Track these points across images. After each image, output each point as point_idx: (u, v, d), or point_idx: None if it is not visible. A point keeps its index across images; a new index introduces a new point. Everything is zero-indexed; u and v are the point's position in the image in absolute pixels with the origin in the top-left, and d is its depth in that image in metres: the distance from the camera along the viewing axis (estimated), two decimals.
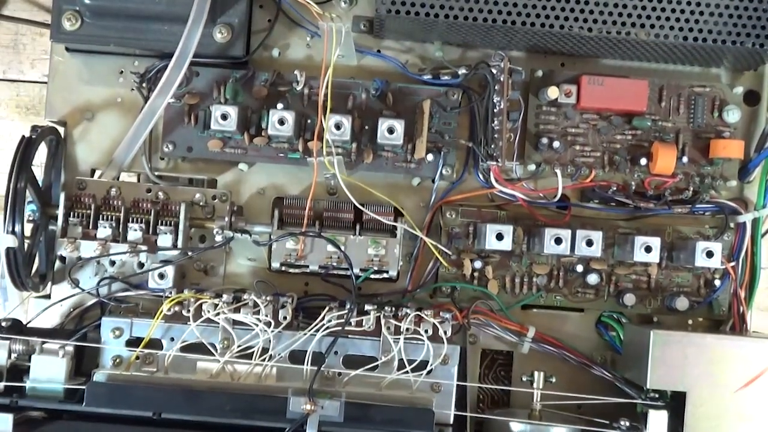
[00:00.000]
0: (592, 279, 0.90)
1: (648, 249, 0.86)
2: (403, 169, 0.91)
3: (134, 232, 0.88)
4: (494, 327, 0.91)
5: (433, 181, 0.91)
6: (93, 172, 0.92)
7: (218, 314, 0.84)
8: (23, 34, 1.02)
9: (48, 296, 0.91)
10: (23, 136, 0.85)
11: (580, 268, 0.90)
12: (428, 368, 0.85)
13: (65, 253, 0.88)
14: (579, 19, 0.84)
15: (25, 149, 0.85)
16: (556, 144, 0.91)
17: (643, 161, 0.91)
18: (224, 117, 0.87)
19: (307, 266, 0.89)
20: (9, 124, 1.00)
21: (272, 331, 0.84)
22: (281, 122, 0.87)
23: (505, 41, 0.90)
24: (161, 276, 0.88)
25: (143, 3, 0.86)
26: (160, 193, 0.90)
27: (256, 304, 0.84)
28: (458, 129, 0.92)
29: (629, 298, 0.90)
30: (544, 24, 0.84)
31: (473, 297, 0.91)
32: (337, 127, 0.87)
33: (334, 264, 0.89)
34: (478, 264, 0.91)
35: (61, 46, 0.91)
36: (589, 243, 0.86)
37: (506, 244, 0.86)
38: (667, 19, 0.84)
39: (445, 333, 0.85)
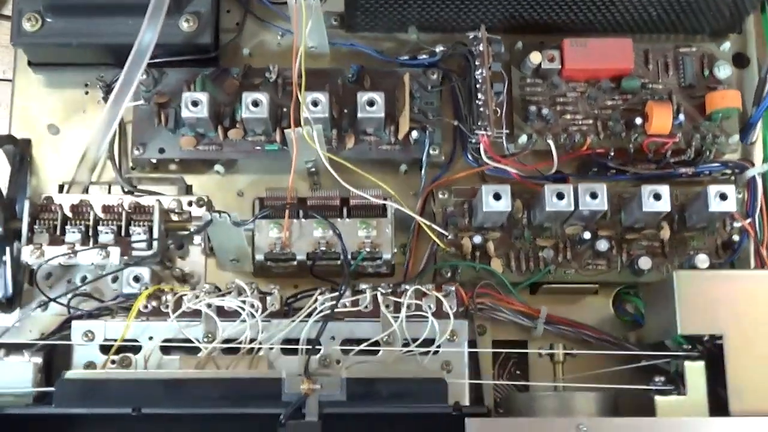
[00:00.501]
0: (602, 245, 0.83)
1: (657, 197, 0.80)
2: (389, 152, 0.86)
3: (105, 235, 0.81)
4: (503, 311, 0.83)
5: (421, 165, 0.86)
6: (61, 187, 0.87)
7: (200, 302, 0.77)
8: None
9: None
10: None
11: (587, 235, 0.84)
12: (435, 344, 0.77)
13: (31, 260, 0.81)
14: None
15: None
16: (545, 111, 0.87)
17: (638, 121, 0.86)
18: (195, 104, 0.83)
19: (294, 257, 0.82)
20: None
21: (261, 316, 0.76)
22: (255, 104, 0.83)
23: (480, 16, 0.87)
24: (136, 279, 0.81)
25: None
26: (131, 201, 0.84)
27: (241, 291, 0.77)
28: (441, 109, 0.88)
29: (644, 262, 0.83)
30: None
31: (477, 278, 0.84)
32: (315, 104, 0.83)
33: (323, 249, 0.82)
34: (478, 239, 0.84)
35: (24, 60, 0.88)
36: (594, 195, 0.80)
37: (505, 205, 0.80)
38: None
39: (450, 308, 0.78)
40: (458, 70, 0.88)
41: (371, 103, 0.83)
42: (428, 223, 0.84)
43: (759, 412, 0.72)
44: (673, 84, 0.88)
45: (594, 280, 0.85)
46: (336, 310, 0.77)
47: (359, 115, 0.84)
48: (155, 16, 0.81)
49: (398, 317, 0.77)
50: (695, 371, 0.74)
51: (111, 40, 0.84)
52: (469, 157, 0.88)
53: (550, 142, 0.86)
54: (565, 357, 0.80)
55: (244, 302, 0.76)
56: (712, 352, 0.75)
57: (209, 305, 0.77)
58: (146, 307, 0.78)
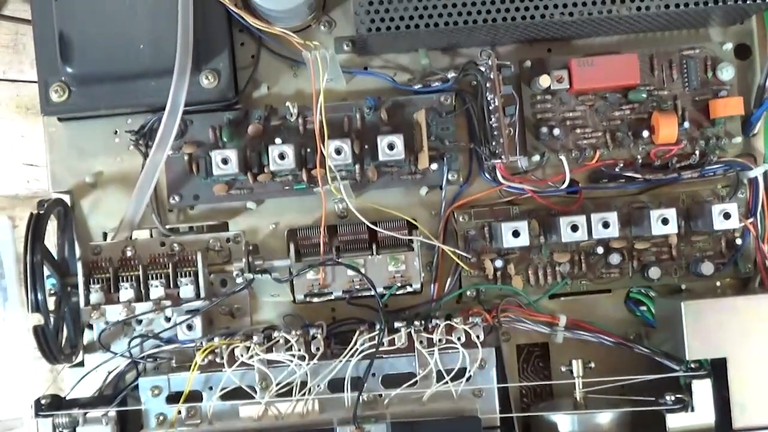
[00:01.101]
0: (614, 259, 0.90)
1: (665, 221, 0.86)
2: (410, 182, 0.91)
3: (156, 289, 0.88)
4: (525, 321, 0.90)
5: (441, 189, 0.91)
6: (105, 236, 0.93)
7: (251, 357, 0.84)
8: (23, 34, 1.01)
9: (82, 365, 0.92)
10: (32, 213, 0.86)
11: (600, 250, 0.90)
12: (467, 375, 0.85)
13: (92, 321, 0.88)
14: (558, 5, 0.84)
15: (36, 225, 0.85)
16: (556, 131, 0.91)
17: (645, 134, 0.90)
18: (225, 161, 0.87)
19: (331, 293, 0.89)
20: (9, 124, 0.99)
21: (307, 365, 0.84)
22: (282, 157, 0.87)
23: (490, 37, 0.90)
24: (189, 327, 0.89)
25: (127, 63, 0.86)
26: (174, 245, 0.90)
27: (287, 341, 0.85)
28: (457, 131, 0.92)
29: (654, 272, 0.90)
30: (525, 17, 0.84)
31: (500, 296, 0.91)
32: (338, 152, 0.87)
33: (357, 287, 0.89)
34: (499, 263, 0.91)
35: (53, 117, 0.92)
36: (606, 225, 0.86)
37: (524, 240, 0.86)
38: None
39: (478, 337, 0.85)
40: (471, 89, 0.92)
41: (391, 147, 0.88)
42: (452, 249, 0.90)
43: (761, 426, 0.81)
44: (678, 89, 0.92)
45: (607, 288, 0.92)
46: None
47: (381, 158, 0.88)
48: (182, 75, 0.84)
49: (432, 352, 0.85)
50: (702, 389, 0.82)
51: (137, 101, 0.88)
52: (486, 175, 0.92)
53: (563, 158, 0.91)
54: (585, 369, 0.88)
55: (292, 354, 0.84)
56: (717, 367, 0.83)
57: (260, 359, 0.85)
58: (204, 360, 0.86)
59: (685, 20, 0.90)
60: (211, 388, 0.86)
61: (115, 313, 0.88)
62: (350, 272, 0.89)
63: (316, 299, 0.90)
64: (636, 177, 0.91)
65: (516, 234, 0.86)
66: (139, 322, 0.91)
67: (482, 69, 0.88)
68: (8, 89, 0.95)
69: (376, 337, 0.84)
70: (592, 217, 0.86)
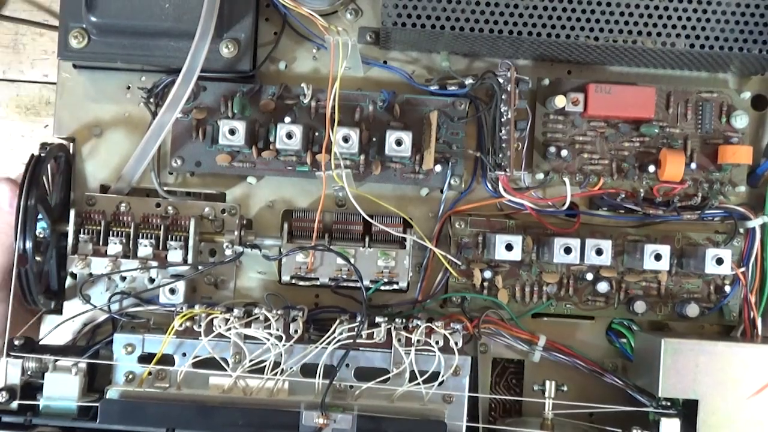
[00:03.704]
0: (602, 287, 0.90)
1: (658, 257, 0.86)
2: (412, 180, 0.91)
3: (144, 248, 0.88)
4: (505, 336, 0.91)
5: (442, 192, 0.92)
6: (103, 188, 0.93)
7: (229, 329, 0.84)
8: (23, 34, 1.01)
9: (60, 312, 0.92)
10: (32, 155, 0.86)
11: (590, 277, 0.90)
12: (440, 379, 0.85)
13: (76, 270, 0.88)
14: (585, 28, 0.84)
15: (35, 167, 0.85)
16: (564, 153, 0.91)
17: (652, 168, 0.91)
18: (232, 132, 0.87)
19: (318, 279, 0.89)
20: (9, 124, 0.99)
21: (283, 345, 0.84)
22: (289, 136, 0.87)
23: (512, 50, 0.90)
24: (172, 291, 0.89)
25: (150, 20, 0.85)
26: (169, 208, 0.90)
27: (267, 319, 0.85)
28: (466, 139, 0.92)
29: (639, 306, 0.90)
30: (550, 34, 0.84)
31: (483, 306, 0.92)
32: (345, 140, 0.87)
33: (344, 276, 0.89)
34: (488, 274, 0.91)
35: (68, 62, 0.92)
36: (599, 252, 0.86)
37: (516, 255, 0.87)
38: (674, 26, 0.84)
39: (456, 344, 0.85)
40: (485, 98, 0.92)
41: (399, 143, 0.88)
42: (443, 253, 0.90)
43: None
44: (690, 130, 0.92)
45: (591, 315, 0.92)
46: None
47: (387, 152, 0.88)
48: (203, 39, 0.84)
49: (409, 351, 0.85)
50: (670, 427, 0.83)
51: (155, 60, 0.88)
52: (488, 186, 0.92)
53: (566, 180, 0.91)
54: (557, 392, 0.88)
55: (269, 333, 0.84)
56: (688, 408, 0.83)
57: (237, 333, 0.84)
58: (181, 325, 0.86)
59: (706, 62, 0.90)
60: (184, 355, 0.86)
61: (100, 265, 0.88)
62: (339, 261, 0.89)
63: (301, 283, 0.90)
64: (636, 210, 0.91)
65: (509, 247, 0.86)
66: (123, 279, 0.91)
67: (500, 80, 0.88)
68: (8, 89, 0.96)
69: (356, 328, 0.84)
70: (587, 243, 0.86)
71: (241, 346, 0.84)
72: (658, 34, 0.84)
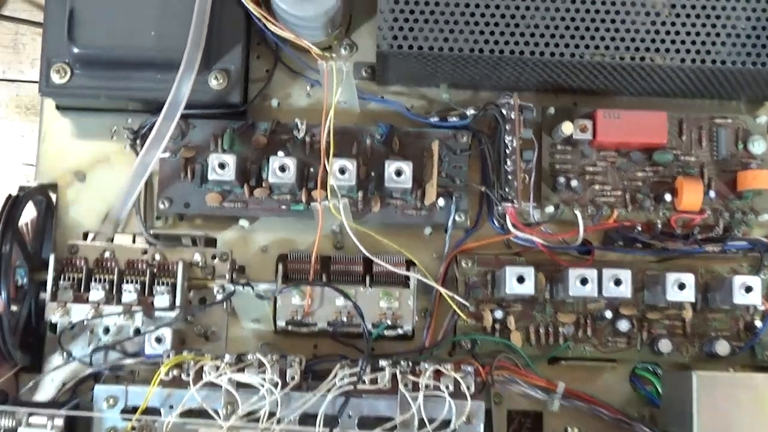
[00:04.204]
0: (623, 326, 0.83)
1: (681, 286, 0.80)
2: (414, 217, 0.86)
3: (129, 294, 0.82)
4: (520, 383, 0.83)
5: (446, 230, 0.86)
6: (86, 235, 0.87)
7: (220, 376, 0.77)
8: (23, 34, 1.00)
9: (39, 370, 0.85)
10: (9, 195, 0.81)
11: (609, 315, 0.84)
12: (451, 427, 0.78)
13: (55, 318, 0.81)
14: (590, 46, 0.80)
15: (11, 209, 0.80)
16: (574, 183, 0.86)
17: (668, 197, 0.85)
18: (222, 166, 0.82)
19: (315, 324, 0.83)
20: (9, 124, 0.97)
21: (279, 392, 0.77)
22: (282, 169, 0.83)
23: (514, 78, 0.86)
24: (158, 340, 0.82)
25: (134, 50, 0.82)
26: (156, 255, 0.84)
27: (261, 364, 0.78)
28: (469, 172, 0.87)
29: (665, 345, 0.83)
30: (554, 53, 0.80)
31: (495, 351, 0.85)
32: (342, 171, 0.82)
33: (344, 320, 0.82)
34: (499, 314, 0.84)
35: (52, 105, 0.88)
36: (618, 282, 0.80)
37: (528, 288, 0.80)
38: (683, 42, 0.80)
39: (468, 388, 0.78)
40: (488, 131, 0.87)
41: (399, 173, 0.83)
42: (450, 294, 0.84)
43: None
44: (705, 157, 0.87)
45: (613, 358, 0.85)
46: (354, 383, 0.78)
47: (387, 184, 0.83)
48: (188, 70, 0.80)
49: (416, 397, 0.77)
50: None
51: (139, 94, 0.84)
52: (495, 223, 0.87)
53: (577, 213, 0.85)
54: None
55: (264, 378, 0.77)
56: None
57: (229, 379, 0.77)
58: (168, 374, 0.79)
59: (717, 86, 0.86)
60: (171, 407, 0.78)
61: (81, 312, 0.81)
62: (338, 303, 0.82)
63: (299, 329, 0.83)
64: (653, 244, 0.85)
65: (521, 280, 0.80)
66: (107, 331, 0.84)
67: (503, 110, 0.84)
68: (8, 89, 0.95)
69: (358, 372, 0.78)
70: (604, 273, 0.80)
71: (233, 394, 0.77)
72: (667, 50, 0.80)
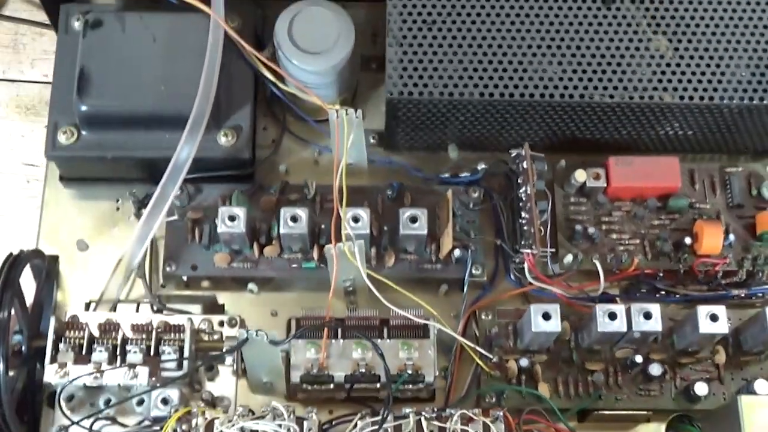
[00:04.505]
0: (655, 370, 0.79)
1: (714, 318, 0.77)
2: (430, 271, 0.83)
3: (134, 355, 0.77)
4: None
5: (463, 282, 0.83)
6: (87, 306, 0.83)
7: (233, 426, 0.72)
8: (23, 34, 0.97)
9: None
10: (9, 254, 0.77)
11: (639, 359, 0.80)
12: None
13: (54, 380, 0.76)
14: (599, 87, 0.81)
15: (11, 267, 0.76)
16: (591, 230, 0.84)
17: (688, 240, 0.83)
18: (232, 218, 0.80)
19: (332, 378, 0.78)
20: (9, 124, 0.93)
21: None
22: (294, 219, 0.80)
23: (522, 134, 0.86)
24: (164, 401, 0.77)
25: (143, 107, 0.81)
26: (162, 320, 0.80)
27: (277, 415, 0.73)
28: (483, 228, 0.85)
29: (701, 388, 0.79)
30: (563, 95, 0.81)
31: (522, 405, 0.79)
32: (356, 219, 0.80)
33: (362, 371, 0.78)
34: (524, 362, 0.80)
35: (54, 175, 0.87)
36: (648, 316, 0.76)
37: (554, 326, 0.76)
38: (689, 81, 0.81)
39: None
40: (499, 189, 0.86)
41: (414, 220, 0.81)
42: (472, 345, 0.80)
43: None
44: (720, 204, 0.86)
45: (646, 407, 0.81)
46: None
47: (402, 232, 0.81)
48: (194, 131, 0.79)
49: None
50: None
51: (147, 154, 0.82)
52: (512, 277, 0.85)
53: (596, 262, 0.83)
54: None
55: (280, 426, 0.72)
56: None
57: (243, 429, 0.72)
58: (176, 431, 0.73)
59: (725, 139, 0.86)
60: None
61: (82, 373, 0.76)
62: (355, 355, 0.78)
63: (313, 390, 0.79)
64: (677, 292, 0.83)
65: (546, 317, 0.76)
66: (108, 403, 0.79)
67: (515, 160, 0.83)
68: (8, 89, 0.94)
69: (380, 420, 0.72)
70: (633, 307, 0.77)
71: None
72: (675, 89, 0.81)
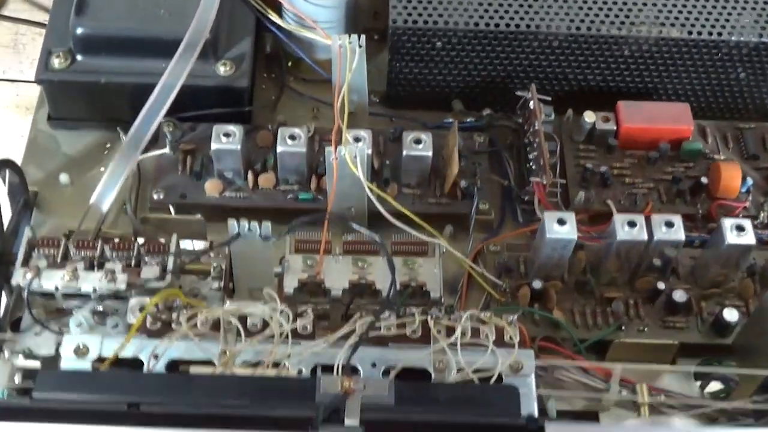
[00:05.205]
0: (679, 295, 0.73)
1: (740, 228, 0.71)
2: (434, 206, 0.78)
3: (113, 263, 0.71)
4: (569, 371, 0.70)
5: (470, 218, 0.78)
6: (68, 236, 0.77)
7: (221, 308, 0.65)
8: (23, 34, 0.97)
9: None
10: None
11: (662, 286, 0.73)
12: (495, 374, 0.64)
13: (23, 282, 0.69)
14: (606, 21, 0.80)
15: None
16: (602, 168, 0.80)
17: (704, 180, 0.79)
18: (227, 135, 0.76)
19: (329, 293, 0.71)
20: (9, 124, 0.92)
21: (290, 326, 0.64)
22: (293, 137, 0.77)
23: (528, 82, 0.83)
24: (143, 310, 0.69)
25: (142, 28, 0.79)
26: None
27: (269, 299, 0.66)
28: (488, 175, 0.81)
29: (730, 313, 0.72)
30: (570, 27, 0.79)
31: (536, 333, 0.72)
32: (357, 139, 0.76)
33: (364, 281, 0.71)
34: (537, 284, 0.73)
35: (44, 117, 0.83)
36: (670, 224, 0.71)
37: (570, 232, 0.71)
38: (696, 18, 0.80)
39: (513, 338, 0.66)
40: (504, 141, 0.84)
41: (418, 141, 0.77)
42: (481, 269, 0.74)
43: None
44: (735, 155, 0.83)
45: (671, 340, 0.73)
46: (379, 334, 0.66)
47: (405, 153, 0.77)
48: (187, 54, 0.77)
49: (453, 345, 0.65)
50: None
51: (142, 80, 0.79)
52: (521, 220, 0.80)
53: (610, 202, 0.79)
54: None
55: (274, 309, 0.65)
56: None
57: (229, 321, 0.65)
58: (154, 322, 0.66)
59: (735, 96, 0.85)
60: (156, 357, 0.64)
61: (55, 278, 0.69)
62: (353, 274, 0.72)
63: (309, 302, 0.71)
64: (694, 236, 0.78)
65: (562, 222, 0.71)
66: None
67: (521, 108, 0.81)
68: (8, 89, 0.93)
69: (379, 309, 0.66)
70: (653, 218, 0.72)
71: (236, 329, 0.64)
72: (682, 25, 0.80)
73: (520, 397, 0.60)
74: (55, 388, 0.58)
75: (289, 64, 0.89)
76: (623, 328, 0.73)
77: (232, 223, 0.69)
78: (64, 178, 0.81)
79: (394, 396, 0.59)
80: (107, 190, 0.76)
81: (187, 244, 0.75)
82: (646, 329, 0.73)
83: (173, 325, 0.66)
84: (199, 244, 0.75)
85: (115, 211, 0.78)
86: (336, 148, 0.73)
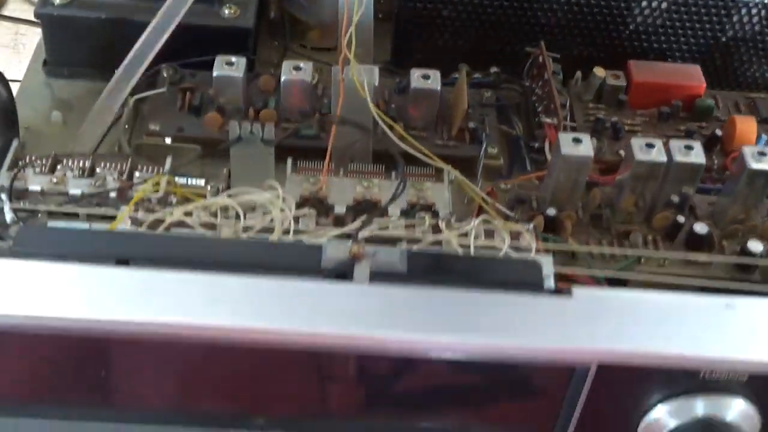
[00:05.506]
0: (700, 227, 0.69)
1: (762, 154, 0.69)
2: (440, 148, 0.75)
3: (103, 170, 0.67)
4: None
5: (479, 158, 0.75)
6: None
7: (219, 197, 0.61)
8: (23, 34, 0.98)
9: None
10: None
11: (681, 219, 0.70)
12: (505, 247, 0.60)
13: (5, 182, 0.65)
14: None
15: None
16: (614, 119, 0.78)
17: (719, 132, 0.77)
18: (230, 63, 0.74)
19: (332, 209, 0.67)
20: None
21: (293, 213, 0.60)
22: (297, 68, 0.74)
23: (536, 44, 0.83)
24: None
25: None
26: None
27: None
28: (496, 127, 0.79)
29: (754, 245, 0.68)
30: None
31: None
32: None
33: (368, 198, 0.67)
34: (551, 211, 0.69)
35: (39, 65, 0.81)
36: (689, 147, 0.68)
37: (587, 150, 0.68)
38: None
39: (530, 244, 0.62)
40: (512, 102, 0.82)
41: (426, 77, 0.75)
42: (491, 200, 0.70)
43: None
44: None
45: (695, 274, 0.69)
46: (388, 233, 0.62)
47: (413, 85, 0.74)
48: None
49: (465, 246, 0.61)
50: None
51: (144, 17, 0.77)
52: (530, 168, 0.77)
53: (622, 152, 0.76)
54: None
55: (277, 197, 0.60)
56: None
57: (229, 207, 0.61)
58: (136, 210, 0.61)
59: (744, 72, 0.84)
60: None
61: (41, 181, 0.65)
62: (358, 190, 0.68)
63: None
64: (711, 188, 0.75)
65: (577, 141, 0.68)
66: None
67: (529, 66, 0.80)
68: None
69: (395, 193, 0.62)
70: (672, 143, 0.69)
71: (236, 208, 0.60)
72: None
73: (541, 272, 0.55)
74: (36, 245, 0.53)
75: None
76: (642, 261, 0.69)
77: (233, 124, 0.66)
78: (56, 115, 0.78)
79: (407, 264, 0.54)
80: (93, 128, 0.73)
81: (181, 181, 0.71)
82: (666, 262, 0.69)
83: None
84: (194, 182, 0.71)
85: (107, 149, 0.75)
86: (343, 69, 0.71)
